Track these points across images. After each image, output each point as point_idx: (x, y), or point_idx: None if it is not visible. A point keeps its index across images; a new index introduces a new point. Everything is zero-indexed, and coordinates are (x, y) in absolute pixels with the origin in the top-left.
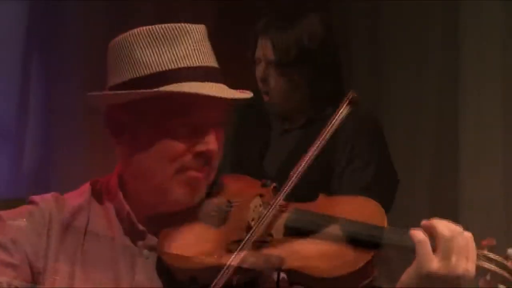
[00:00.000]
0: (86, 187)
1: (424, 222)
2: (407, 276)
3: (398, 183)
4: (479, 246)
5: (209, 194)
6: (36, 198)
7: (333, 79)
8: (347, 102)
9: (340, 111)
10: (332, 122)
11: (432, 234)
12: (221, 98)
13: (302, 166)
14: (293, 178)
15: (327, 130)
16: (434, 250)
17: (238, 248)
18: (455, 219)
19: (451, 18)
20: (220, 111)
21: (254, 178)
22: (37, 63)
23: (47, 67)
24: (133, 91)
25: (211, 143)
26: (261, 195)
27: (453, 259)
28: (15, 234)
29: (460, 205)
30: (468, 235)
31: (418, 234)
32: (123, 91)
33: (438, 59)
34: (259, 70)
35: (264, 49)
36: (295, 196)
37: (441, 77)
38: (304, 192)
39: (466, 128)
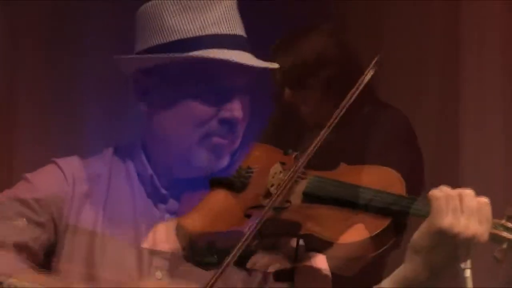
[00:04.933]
0: (108, 151)
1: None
2: (419, 233)
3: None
4: (499, 216)
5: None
6: (59, 161)
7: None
8: (374, 64)
9: (366, 73)
10: (358, 84)
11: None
12: (247, 66)
13: (323, 134)
14: (314, 146)
15: (353, 92)
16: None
17: (260, 215)
18: None
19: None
20: (246, 79)
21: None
22: None
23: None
24: (160, 55)
25: (235, 110)
26: (282, 163)
27: (462, 218)
28: (42, 195)
29: None
30: (482, 200)
31: (435, 192)
32: (151, 55)
33: (438, 58)
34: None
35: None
36: (317, 165)
37: (442, 77)
38: (325, 161)
39: (466, 128)
